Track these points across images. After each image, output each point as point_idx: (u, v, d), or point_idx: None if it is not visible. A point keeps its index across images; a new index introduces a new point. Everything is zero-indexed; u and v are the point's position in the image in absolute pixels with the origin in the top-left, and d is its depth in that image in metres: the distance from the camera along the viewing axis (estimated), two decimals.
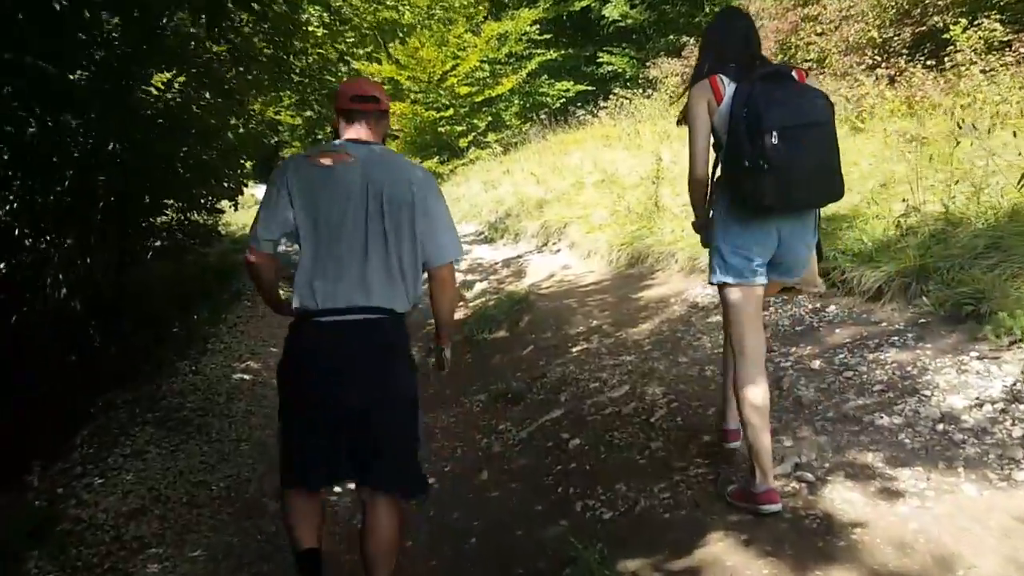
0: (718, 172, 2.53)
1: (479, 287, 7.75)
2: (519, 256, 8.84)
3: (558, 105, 17.89)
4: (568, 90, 18.36)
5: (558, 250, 8.45)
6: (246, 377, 5.86)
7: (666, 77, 14.05)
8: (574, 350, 4.90)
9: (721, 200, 2.51)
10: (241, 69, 7.49)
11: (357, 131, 2.42)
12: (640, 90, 14.55)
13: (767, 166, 2.23)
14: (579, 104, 16.02)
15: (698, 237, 2.83)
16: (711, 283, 2.59)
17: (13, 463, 4.04)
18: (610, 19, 18.40)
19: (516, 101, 18.22)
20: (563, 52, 18.34)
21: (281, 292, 2.58)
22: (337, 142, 2.42)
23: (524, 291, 6.31)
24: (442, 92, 16.38)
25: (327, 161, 2.33)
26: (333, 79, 8.21)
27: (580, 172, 10.88)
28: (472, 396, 4.79)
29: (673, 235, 6.18)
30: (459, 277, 8.28)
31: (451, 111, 16.45)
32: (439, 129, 16.66)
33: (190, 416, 4.92)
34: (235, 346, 6.72)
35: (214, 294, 8.42)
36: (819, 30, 11.29)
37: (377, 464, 2.33)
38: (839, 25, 10.60)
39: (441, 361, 2.67)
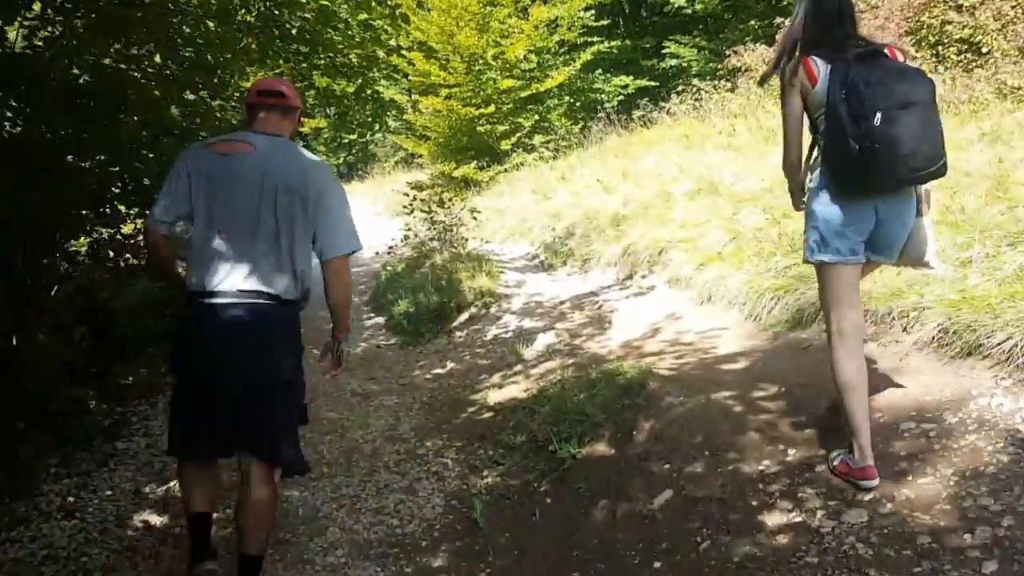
0: (813, 153, 2.57)
1: (543, 341, 5.35)
2: (594, 293, 6.41)
3: (615, 103, 15.50)
4: (627, 86, 15.95)
5: (651, 287, 6.02)
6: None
7: (750, 68, 11.60)
8: (770, 521, 2.47)
9: (819, 179, 2.50)
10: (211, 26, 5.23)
11: (262, 124, 2.52)
12: (719, 82, 12.10)
13: (873, 147, 2.25)
14: (639, 102, 13.56)
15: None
16: (806, 261, 2.59)
17: None
18: (675, 5, 16.02)
19: (566, 98, 15.84)
20: (621, 42, 15.93)
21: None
22: (239, 133, 2.65)
23: (633, 370, 3.87)
24: (482, 85, 14.06)
25: (226, 150, 2.45)
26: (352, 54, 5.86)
27: (662, 179, 8.44)
28: None
29: (884, 282, 3.72)
30: (512, 320, 5.93)
31: (492, 108, 14.12)
32: (477, 129, 14.33)
33: None
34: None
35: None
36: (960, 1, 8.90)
37: (253, 438, 2.41)
38: None
39: (338, 357, 2.66)
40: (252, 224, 2.37)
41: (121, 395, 4.67)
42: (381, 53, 5.68)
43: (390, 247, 8.90)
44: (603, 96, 15.86)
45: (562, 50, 15.57)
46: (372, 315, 7.62)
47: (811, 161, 2.59)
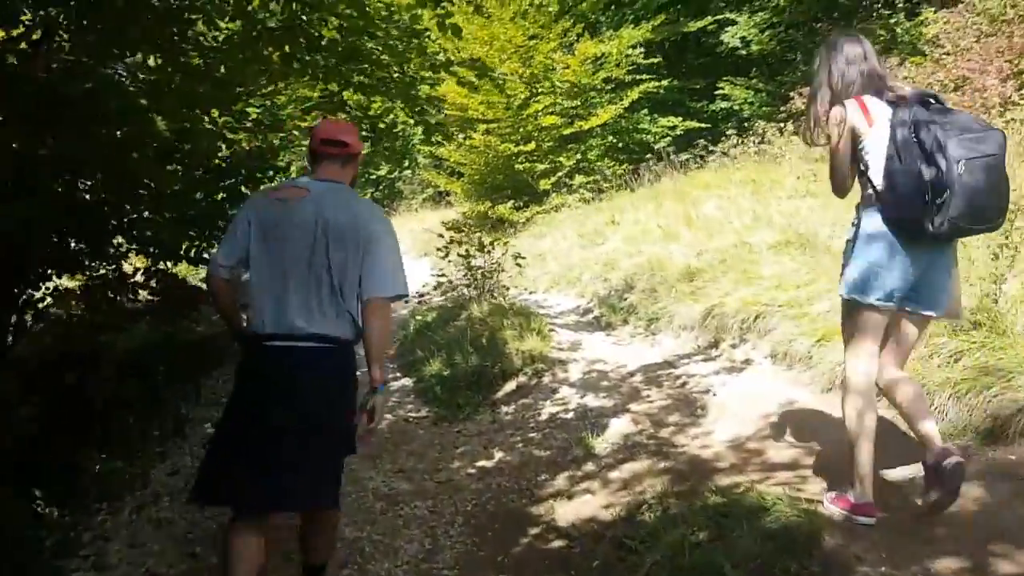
0: (866, 191, 2.56)
1: (617, 429, 4.22)
2: (670, 364, 5.26)
3: (662, 144, 14.51)
4: (675, 127, 14.95)
5: (747, 360, 4.87)
6: None
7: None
8: None
9: (869, 218, 2.52)
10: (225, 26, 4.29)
11: (323, 173, 2.55)
12: (784, 125, 11.07)
13: (946, 193, 2.27)
14: (697, 142, 12.53)
15: None
16: (841, 295, 2.62)
17: None
18: (730, 46, 15.10)
19: (609, 138, 14.87)
20: (671, 82, 14.99)
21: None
22: (300, 179, 2.63)
23: (786, 508, 2.64)
24: (523, 121, 13.13)
25: (284, 196, 2.52)
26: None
27: (734, 228, 7.34)
28: None
29: None
30: (571, 395, 4.82)
31: (532, 145, 13.17)
32: (516, 166, 13.36)
33: None
34: None
35: None
36: None
37: (312, 486, 2.38)
38: None
39: (371, 411, 2.47)
40: (306, 267, 2.41)
41: (80, 495, 3.58)
42: (424, 69, 4.69)
43: (421, 294, 7.84)
44: (649, 137, 14.87)
45: (608, 87, 14.64)
46: (398, 374, 6.52)
47: (859, 201, 2.63)
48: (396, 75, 4.55)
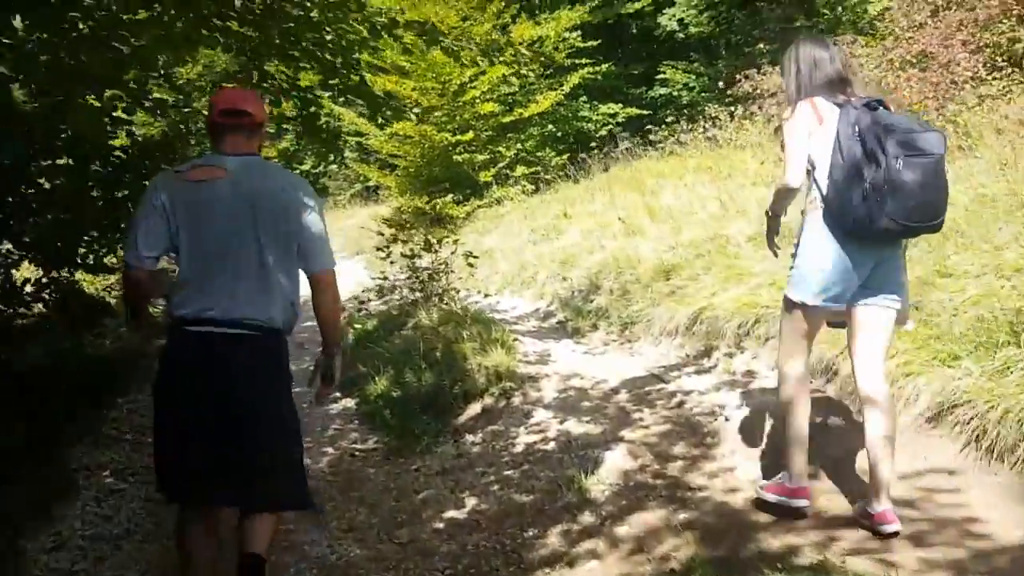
0: (811, 195, 2.61)
1: (613, 464, 3.51)
2: (658, 378, 4.59)
3: (603, 132, 13.96)
4: (615, 114, 14.41)
5: (749, 373, 4.23)
6: None
7: (770, 92, 10.16)
8: None
9: (814, 221, 2.58)
10: None
11: (230, 146, 2.38)
12: (731, 108, 10.62)
13: (886, 190, 2.33)
14: (648, 127, 11.97)
15: None
16: (789, 296, 2.67)
17: None
18: (668, 29, 14.65)
19: (548, 127, 14.21)
20: (610, 67, 14.40)
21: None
22: (209, 156, 2.47)
23: None
24: (460, 109, 12.30)
25: (199, 176, 2.34)
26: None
27: (698, 217, 6.78)
28: None
29: None
30: (548, 419, 4.10)
31: (470, 135, 12.37)
32: (454, 157, 12.53)
33: None
34: None
35: None
36: None
37: (245, 484, 2.29)
38: None
39: (330, 374, 2.56)
40: (234, 249, 2.30)
41: None
42: (364, 30, 3.84)
43: (361, 301, 6.97)
44: (590, 125, 14.28)
45: (547, 72, 13.94)
46: (337, 394, 5.63)
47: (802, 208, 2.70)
48: (330, 39, 3.70)
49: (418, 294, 6.60)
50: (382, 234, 6.94)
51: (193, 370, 2.28)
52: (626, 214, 7.72)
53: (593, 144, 12.53)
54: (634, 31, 16.72)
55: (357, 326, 6.89)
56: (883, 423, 2.52)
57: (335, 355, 2.55)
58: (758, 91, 10.38)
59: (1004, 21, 7.94)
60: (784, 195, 2.71)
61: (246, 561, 2.26)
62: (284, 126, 4.84)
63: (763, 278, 4.78)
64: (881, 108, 2.52)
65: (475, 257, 6.74)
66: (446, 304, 6.32)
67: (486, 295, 7.22)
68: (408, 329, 6.07)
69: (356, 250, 13.53)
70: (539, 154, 13.58)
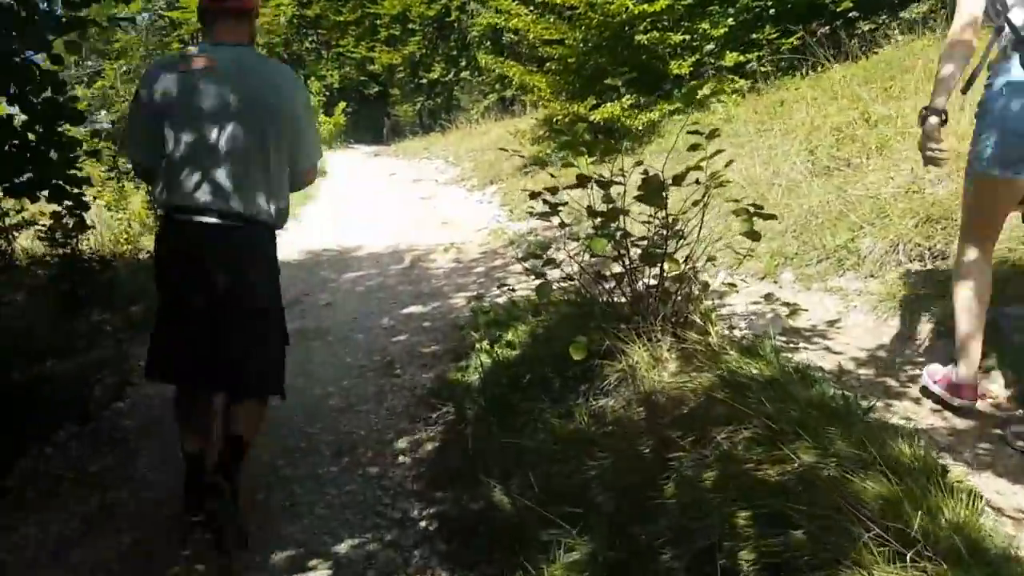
0: (992, 53, 2.28)
1: None
2: None
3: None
4: None
5: None
6: None
7: None
8: None
9: (1004, 72, 2.19)
10: None
11: (220, 34, 2.36)
12: None
13: None
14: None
15: None
16: (975, 171, 2.29)
17: None
18: None
19: None
20: None
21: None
22: (200, 46, 2.38)
23: None
24: None
25: (195, 65, 2.29)
26: None
27: None
28: None
29: None
30: None
31: (662, 2, 8.21)
32: (637, 38, 8.44)
33: None
34: None
35: None
36: None
37: (231, 373, 2.34)
38: None
39: None
40: (224, 141, 2.27)
41: None
42: None
43: (510, 287, 3.37)
44: None
45: None
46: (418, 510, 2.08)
47: (985, 59, 2.31)
48: None
49: (624, 295, 2.88)
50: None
51: (179, 258, 2.32)
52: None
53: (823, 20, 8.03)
54: None
55: (483, 356, 3.28)
56: (982, 291, 2.28)
57: None
58: None
59: None
60: (956, 52, 2.20)
61: (227, 443, 2.30)
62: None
63: None
64: None
65: (772, 216, 2.83)
66: (706, 325, 2.54)
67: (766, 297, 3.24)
68: (610, 383, 2.40)
69: (489, 177, 9.94)
70: (753, 36, 9.14)
